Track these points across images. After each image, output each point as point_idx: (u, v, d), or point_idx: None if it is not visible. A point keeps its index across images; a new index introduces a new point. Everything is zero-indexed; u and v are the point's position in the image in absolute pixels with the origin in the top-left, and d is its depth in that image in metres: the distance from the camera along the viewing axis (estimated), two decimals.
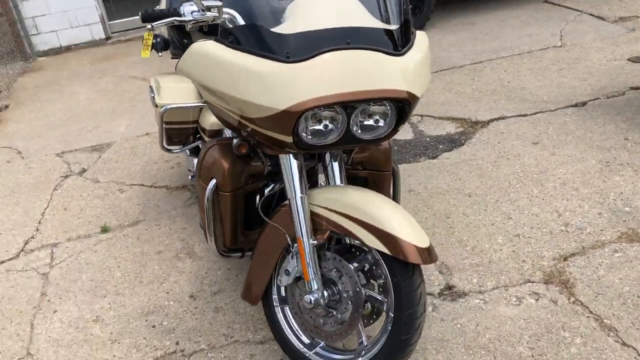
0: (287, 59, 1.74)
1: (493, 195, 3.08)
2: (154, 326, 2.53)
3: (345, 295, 2.00)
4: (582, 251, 2.58)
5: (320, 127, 1.82)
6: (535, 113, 3.91)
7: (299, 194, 1.97)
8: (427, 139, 3.82)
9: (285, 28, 1.81)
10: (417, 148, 3.70)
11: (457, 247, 2.72)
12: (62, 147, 4.55)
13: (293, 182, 1.98)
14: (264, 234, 2.14)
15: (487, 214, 2.93)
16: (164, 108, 2.73)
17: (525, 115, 3.90)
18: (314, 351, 2.12)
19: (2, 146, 4.81)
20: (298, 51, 1.75)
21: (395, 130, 1.93)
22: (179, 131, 2.98)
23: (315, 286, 1.96)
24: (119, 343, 2.46)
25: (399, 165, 3.14)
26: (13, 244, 3.33)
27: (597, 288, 2.37)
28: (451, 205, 3.05)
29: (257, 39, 1.79)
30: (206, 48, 1.84)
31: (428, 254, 1.87)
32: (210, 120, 2.69)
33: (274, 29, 1.80)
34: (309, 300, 1.95)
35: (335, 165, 2.14)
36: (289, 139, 1.81)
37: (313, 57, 1.74)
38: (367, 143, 1.92)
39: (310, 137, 1.82)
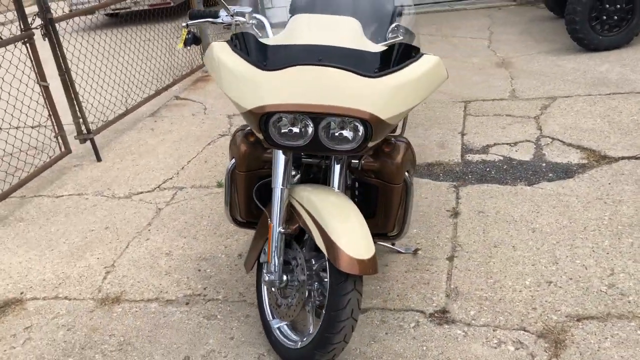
0: (264, 67, 2.00)
1: (558, 236, 2.89)
2: (199, 270, 3.02)
3: (295, 283, 2.22)
4: (605, 317, 2.36)
5: (286, 130, 2.05)
6: None
7: (279, 186, 2.23)
8: (543, 164, 3.62)
9: (273, 39, 2.06)
10: (524, 171, 3.54)
11: (481, 277, 2.68)
12: (234, 110, 5.30)
13: (277, 174, 2.24)
14: (262, 215, 2.44)
15: (536, 253, 2.79)
16: None
17: None
18: (277, 326, 2.39)
19: (196, 101, 5.77)
20: (273, 61, 2.00)
21: (364, 146, 2.06)
22: None
23: (274, 269, 2.21)
24: (168, 275, 3.01)
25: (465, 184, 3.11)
26: (155, 181, 4.12)
27: (588, 358, 2.18)
28: (508, 236, 2.94)
29: (248, 46, 2.08)
30: (216, 47, 2.18)
31: (363, 266, 1.99)
32: None
33: (264, 39, 2.07)
34: (266, 279, 2.22)
35: (337, 167, 2.32)
36: (260, 135, 2.08)
37: (283, 68, 1.97)
38: (338, 153, 2.09)
39: (279, 137, 2.06)
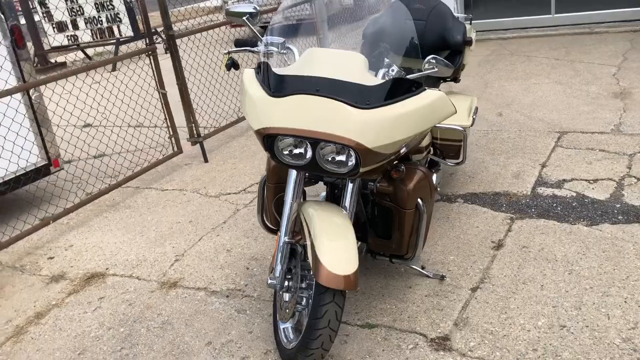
0: (272, 93, 2.26)
1: (594, 281, 2.78)
2: (247, 268, 3.35)
3: (291, 290, 2.44)
4: None
5: (287, 151, 2.28)
6: None
7: (289, 199, 2.47)
8: (617, 205, 3.44)
9: (285, 69, 2.31)
10: (592, 211, 3.40)
11: (496, 311, 2.68)
12: None
13: (288, 188, 2.48)
14: None
15: (562, 295, 2.72)
16: None
17: None
18: (283, 327, 2.62)
19: None
20: (280, 89, 2.25)
21: (356, 171, 2.23)
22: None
23: (276, 274, 2.46)
24: (222, 270, 3.38)
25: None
26: (243, 184, 4.55)
27: None
28: (541, 274, 2.89)
29: (264, 74, 2.35)
30: (245, 73, 2.47)
31: (340, 281, 2.16)
32: None
33: (277, 69, 2.32)
34: (269, 282, 2.47)
35: (349, 187, 2.51)
36: (268, 153, 2.34)
37: (286, 96, 2.21)
38: (333, 175, 2.28)
39: (283, 156, 2.31)
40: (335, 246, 2.24)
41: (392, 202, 2.60)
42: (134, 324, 3.01)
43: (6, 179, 4.28)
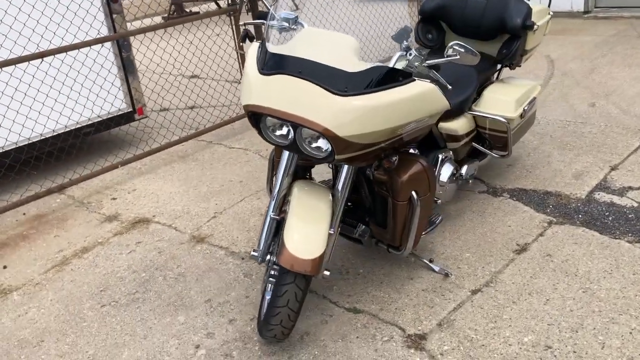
0: (262, 70, 2.28)
1: (606, 304, 2.54)
2: None
3: (269, 264, 2.49)
4: None
5: (269, 130, 2.31)
6: None
7: (279, 176, 2.51)
8: None
9: (278, 47, 2.31)
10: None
11: (487, 318, 2.56)
12: None
13: (280, 165, 2.51)
14: None
15: (565, 314, 2.52)
16: None
17: None
18: (267, 297, 2.68)
19: None
20: (268, 67, 2.27)
21: (331, 158, 2.21)
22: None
23: (260, 247, 2.52)
24: (248, 232, 3.51)
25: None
26: None
27: None
28: (552, 288, 2.69)
29: (260, 50, 2.36)
30: (251, 47, 2.48)
31: (299, 264, 2.19)
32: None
33: (271, 46, 2.32)
34: (251, 254, 2.54)
35: (343, 171, 2.48)
36: (255, 130, 2.38)
37: (271, 74, 2.23)
38: (313, 158, 2.27)
39: (269, 134, 2.33)
40: (304, 229, 2.25)
41: (387, 191, 2.53)
42: (155, 271, 3.24)
43: (92, 121, 4.70)
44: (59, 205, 4.20)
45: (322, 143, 2.21)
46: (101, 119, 4.76)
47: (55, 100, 4.43)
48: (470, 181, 3.29)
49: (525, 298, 2.64)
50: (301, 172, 2.67)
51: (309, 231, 2.25)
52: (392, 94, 2.14)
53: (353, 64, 2.17)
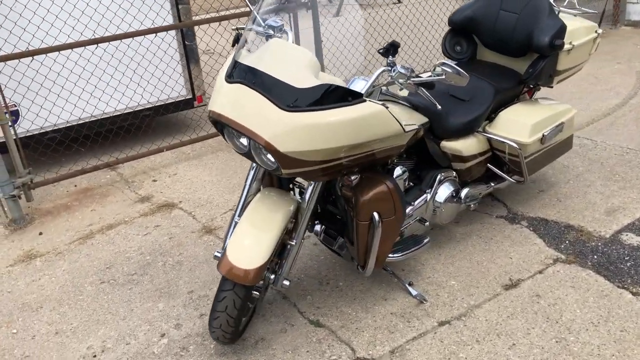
0: (227, 77, 2.32)
1: (576, 358, 2.34)
2: None
3: None
4: None
5: (232, 136, 2.34)
6: None
7: (247, 182, 2.55)
8: None
9: (245, 55, 2.32)
10: None
11: (440, 354, 2.44)
12: None
13: (249, 172, 2.55)
14: None
15: (557, 348, 2.35)
16: None
17: None
18: None
19: None
20: (231, 75, 2.29)
21: (279, 172, 2.21)
22: None
23: (222, 248, 2.57)
24: None
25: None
26: None
27: None
28: (524, 332, 2.51)
29: (232, 59, 2.39)
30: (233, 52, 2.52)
31: (236, 273, 2.23)
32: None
33: (242, 53, 2.33)
34: (214, 254, 2.60)
35: (311, 184, 2.47)
36: (221, 135, 2.43)
37: (232, 83, 2.26)
38: (267, 168, 2.28)
39: (232, 141, 2.37)
40: (249, 238, 2.27)
41: (352, 209, 2.48)
42: (158, 256, 3.41)
43: (152, 105, 4.98)
44: (107, 181, 4.50)
45: (270, 156, 2.21)
46: (162, 103, 5.02)
47: (119, 81, 4.75)
48: (472, 206, 3.11)
49: (491, 339, 2.49)
50: (285, 181, 2.67)
51: (254, 240, 2.26)
52: (336, 114, 2.09)
53: (304, 80, 2.13)
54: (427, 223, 2.91)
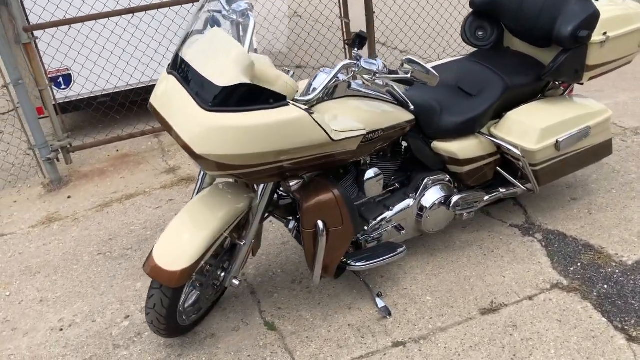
0: (168, 68, 2.21)
1: None
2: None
3: None
4: None
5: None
6: None
7: (200, 179, 2.47)
8: None
9: (188, 43, 2.17)
10: None
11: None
12: None
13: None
14: None
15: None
16: None
17: None
18: None
19: None
20: (171, 66, 2.17)
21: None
22: None
23: None
24: None
25: None
26: None
27: None
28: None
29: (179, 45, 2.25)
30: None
31: (159, 274, 2.16)
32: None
33: (191, 40, 2.19)
34: None
35: (262, 186, 2.34)
36: None
37: (169, 74, 2.14)
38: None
39: None
40: (179, 236, 2.19)
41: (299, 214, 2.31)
42: (158, 232, 3.44)
43: None
44: (146, 148, 4.61)
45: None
46: None
47: (167, 49, 4.78)
48: (465, 215, 2.79)
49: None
50: None
51: (185, 238, 2.17)
52: (254, 117, 1.91)
53: (227, 78, 1.95)
54: (404, 231, 2.65)
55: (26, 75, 4.06)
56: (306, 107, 2.01)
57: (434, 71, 2.17)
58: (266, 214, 2.48)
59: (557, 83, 2.85)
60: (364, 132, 2.19)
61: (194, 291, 2.47)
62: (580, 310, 2.45)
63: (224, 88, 1.93)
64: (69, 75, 4.67)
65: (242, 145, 1.93)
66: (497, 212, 3.16)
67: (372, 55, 4.81)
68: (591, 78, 2.82)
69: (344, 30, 4.80)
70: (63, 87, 4.71)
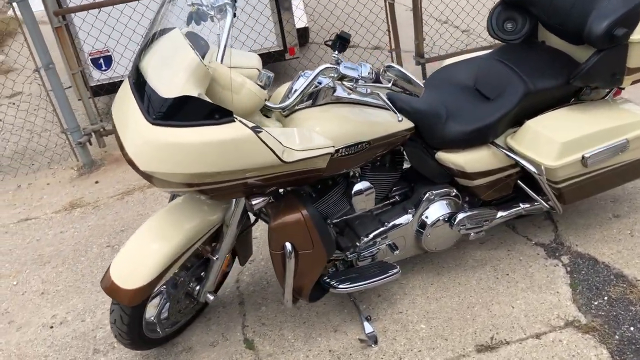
0: (129, 73, 2.05)
1: None
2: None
3: None
4: None
5: None
6: None
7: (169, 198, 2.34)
8: None
9: (144, 53, 1.99)
10: None
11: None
12: None
13: None
14: None
15: None
16: None
17: None
18: None
19: None
20: (131, 70, 2.01)
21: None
22: None
23: None
24: None
25: None
26: None
27: None
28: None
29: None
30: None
31: (115, 291, 2.04)
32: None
33: (144, 48, 2.01)
34: None
35: (240, 204, 2.16)
36: None
37: (128, 79, 1.99)
38: None
39: None
40: (138, 250, 2.05)
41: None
42: None
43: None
44: None
45: None
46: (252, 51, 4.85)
47: (210, 30, 4.65)
48: (472, 235, 2.48)
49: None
50: None
51: (145, 254, 2.03)
52: (195, 133, 1.72)
53: (174, 88, 1.75)
54: (398, 251, 2.39)
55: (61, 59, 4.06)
56: (253, 125, 1.78)
57: (417, 80, 1.88)
58: (254, 220, 2.31)
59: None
60: (330, 150, 1.94)
61: (168, 303, 2.35)
62: (592, 358, 2.11)
63: (166, 100, 1.75)
64: (109, 57, 4.65)
65: (185, 165, 1.75)
66: (524, 226, 2.82)
67: (394, 49, 4.47)
68: (634, 82, 2.39)
69: (388, 11, 4.47)
70: (104, 68, 4.71)
